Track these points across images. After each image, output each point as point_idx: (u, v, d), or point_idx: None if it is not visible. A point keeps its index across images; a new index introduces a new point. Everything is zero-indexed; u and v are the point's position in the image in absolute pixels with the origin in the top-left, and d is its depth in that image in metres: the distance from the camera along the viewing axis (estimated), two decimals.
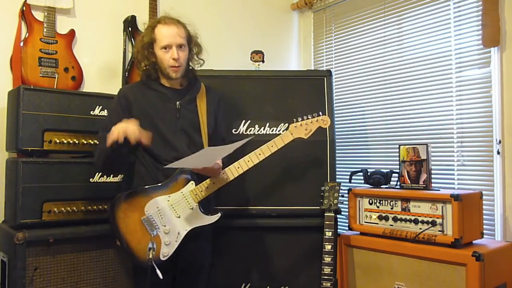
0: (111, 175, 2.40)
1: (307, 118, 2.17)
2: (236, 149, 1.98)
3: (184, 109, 2.14)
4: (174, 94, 2.15)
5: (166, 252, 1.99)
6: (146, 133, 1.98)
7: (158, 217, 2.02)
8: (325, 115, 2.22)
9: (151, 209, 2.02)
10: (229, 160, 2.11)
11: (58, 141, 2.30)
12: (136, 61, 2.21)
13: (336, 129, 2.78)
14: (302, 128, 2.16)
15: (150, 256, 1.86)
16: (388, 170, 2.64)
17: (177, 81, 2.17)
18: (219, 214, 2.06)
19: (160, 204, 2.02)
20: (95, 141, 2.38)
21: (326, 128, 2.28)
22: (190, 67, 2.21)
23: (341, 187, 2.45)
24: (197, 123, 2.16)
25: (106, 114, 2.39)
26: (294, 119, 2.17)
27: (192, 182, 2.05)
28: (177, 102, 2.13)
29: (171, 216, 2.02)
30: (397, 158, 2.52)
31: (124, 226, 2.02)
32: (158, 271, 1.88)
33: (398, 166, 2.52)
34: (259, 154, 2.09)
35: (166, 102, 2.13)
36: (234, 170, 2.08)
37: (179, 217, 2.03)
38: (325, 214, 2.38)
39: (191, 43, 2.16)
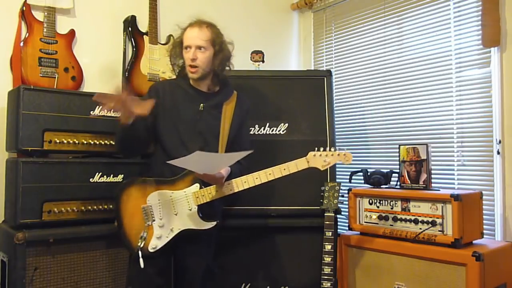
0: (112, 176, 2.41)
1: (329, 150, 2.07)
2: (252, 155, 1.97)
3: (206, 112, 2.15)
4: (200, 96, 2.18)
5: (154, 244, 2.02)
6: (147, 103, 1.96)
7: (157, 209, 2.04)
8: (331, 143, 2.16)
9: (152, 199, 2.05)
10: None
11: (58, 141, 2.30)
12: (170, 61, 2.27)
13: (336, 129, 2.78)
14: (321, 159, 2.06)
15: (139, 244, 1.97)
16: (388, 170, 2.64)
17: (203, 83, 2.19)
18: (214, 223, 2.06)
19: (162, 197, 2.05)
20: (95, 141, 2.39)
21: (347, 164, 2.10)
22: (221, 72, 2.21)
23: (341, 187, 2.44)
24: (217, 128, 2.16)
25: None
26: (316, 148, 2.08)
27: (197, 184, 2.06)
28: (201, 104, 2.15)
29: (169, 212, 2.04)
30: (397, 158, 2.52)
31: (124, 209, 2.07)
32: (141, 260, 1.95)
33: (398, 166, 2.52)
34: (269, 174, 2.05)
35: (190, 102, 2.16)
36: (240, 184, 2.06)
37: (176, 214, 2.04)
38: (325, 214, 2.38)
39: (216, 47, 2.15)
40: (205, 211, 2.06)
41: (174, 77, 2.32)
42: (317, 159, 2.06)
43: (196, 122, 2.13)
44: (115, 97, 1.88)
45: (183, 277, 2.17)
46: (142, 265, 1.95)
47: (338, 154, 2.06)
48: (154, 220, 2.04)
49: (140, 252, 1.97)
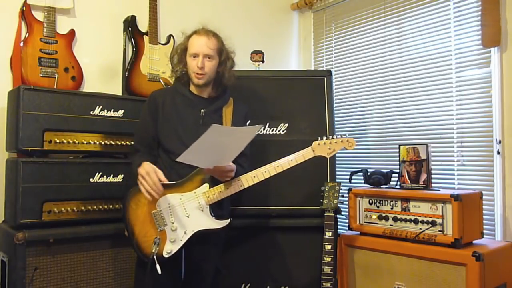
0: (112, 176, 2.41)
1: (332, 138, 2.13)
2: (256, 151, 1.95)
3: (207, 117, 2.16)
4: (200, 101, 2.19)
5: (169, 249, 2.00)
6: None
7: (167, 213, 2.03)
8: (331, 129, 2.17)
9: (162, 204, 2.04)
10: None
11: (58, 141, 2.30)
12: (172, 66, 2.28)
13: (336, 129, 2.78)
14: (325, 147, 2.11)
15: (153, 251, 1.91)
16: (388, 170, 2.64)
17: (204, 90, 2.20)
18: (228, 220, 2.05)
19: (171, 201, 2.04)
20: (95, 141, 2.39)
21: (350, 149, 2.16)
22: (222, 80, 2.21)
23: (341, 187, 2.44)
24: None
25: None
26: (319, 137, 2.13)
27: (206, 184, 2.05)
28: (202, 110, 2.16)
29: (180, 214, 2.04)
30: (397, 158, 2.52)
31: (134, 217, 2.06)
32: (158, 267, 1.92)
33: (398, 166, 2.52)
34: (277, 166, 2.07)
35: (191, 108, 2.17)
36: (249, 179, 2.06)
37: (188, 216, 2.04)
38: (325, 214, 2.38)
39: (222, 56, 2.18)
40: (215, 212, 2.06)
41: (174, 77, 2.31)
42: (322, 147, 2.12)
43: (198, 127, 2.13)
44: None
45: (193, 278, 2.15)
46: (159, 271, 1.91)
47: (342, 141, 2.12)
48: (166, 225, 2.02)
49: (155, 258, 1.92)
